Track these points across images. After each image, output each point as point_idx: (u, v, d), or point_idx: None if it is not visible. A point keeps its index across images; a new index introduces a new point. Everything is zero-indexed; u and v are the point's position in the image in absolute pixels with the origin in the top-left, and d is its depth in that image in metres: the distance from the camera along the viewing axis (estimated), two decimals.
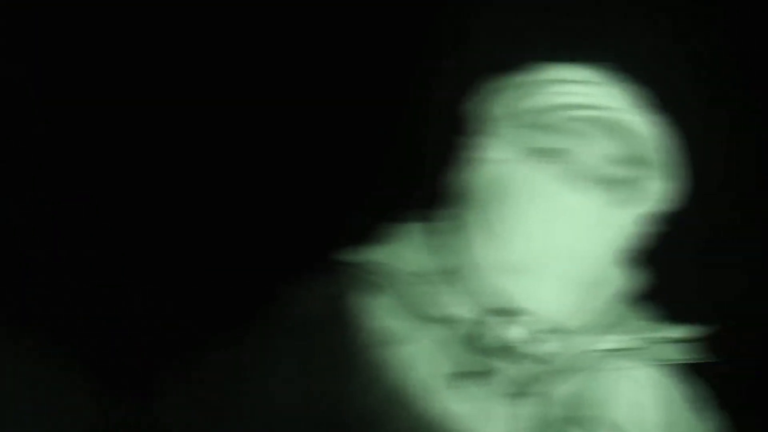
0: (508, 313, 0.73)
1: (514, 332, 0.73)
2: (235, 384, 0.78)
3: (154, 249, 1.30)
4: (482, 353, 0.73)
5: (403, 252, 0.80)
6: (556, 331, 0.74)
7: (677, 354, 0.81)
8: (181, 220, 1.33)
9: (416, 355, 0.74)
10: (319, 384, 0.74)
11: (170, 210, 1.32)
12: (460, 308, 0.76)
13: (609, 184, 0.76)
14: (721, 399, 0.88)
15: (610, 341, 0.78)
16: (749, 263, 1.51)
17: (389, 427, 0.71)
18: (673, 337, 0.80)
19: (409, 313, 0.76)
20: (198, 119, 1.36)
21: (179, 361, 0.84)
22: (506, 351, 0.73)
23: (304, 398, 0.74)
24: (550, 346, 0.74)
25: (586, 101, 0.74)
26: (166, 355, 0.92)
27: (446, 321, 0.75)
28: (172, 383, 0.82)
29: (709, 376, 0.86)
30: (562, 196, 0.74)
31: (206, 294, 1.19)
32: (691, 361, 0.82)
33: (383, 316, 0.76)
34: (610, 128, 0.74)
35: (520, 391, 0.73)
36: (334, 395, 0.73)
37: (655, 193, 0.79)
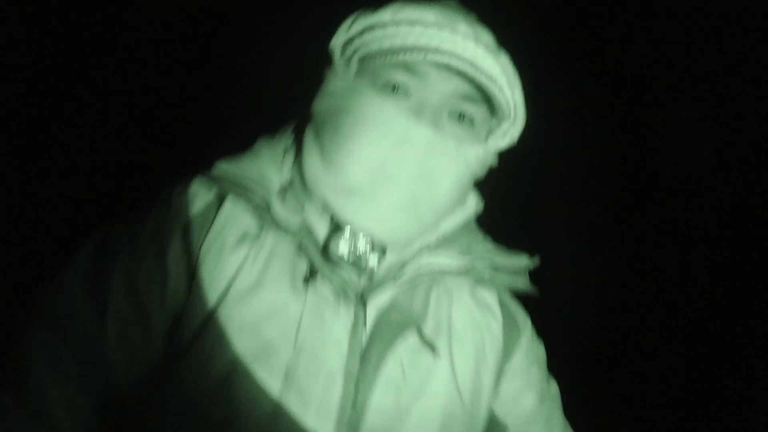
0: (342, 227, 0.79)
1: (343, 247, 0.79)
2: None
3: None
4: (321, 260, 0.79)
5: (257, 166, 0.84)
6: (386, 247, 0.81)
7: (510, 281, 0.88)
8: None
9: (270, 255, 0.79)
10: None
11: None
12: (303, 218, 0.81)
13: (457, 119, 0.81)
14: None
15: (445, 258, 0.84)
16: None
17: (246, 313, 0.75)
18: (508, 266, 0.86)
19: (263, 218, 0.80)
20: None
21: None
22: (341, 261, 0.79)
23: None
24: (376, 259, 0.80)
25: (439, 45, 0.76)
26: None
27: (290, 228, 0.79)
28: None
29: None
30: (406, 127, 0.77)
31: None
32: (522, 291, 0.90)
33: (245, 220, 0.80)
34: (461, 70, 0.77)
35: (351, 295, 0.79)
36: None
37: (501, 131, 0.84)
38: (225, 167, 0.82)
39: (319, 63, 0.83)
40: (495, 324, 0.89)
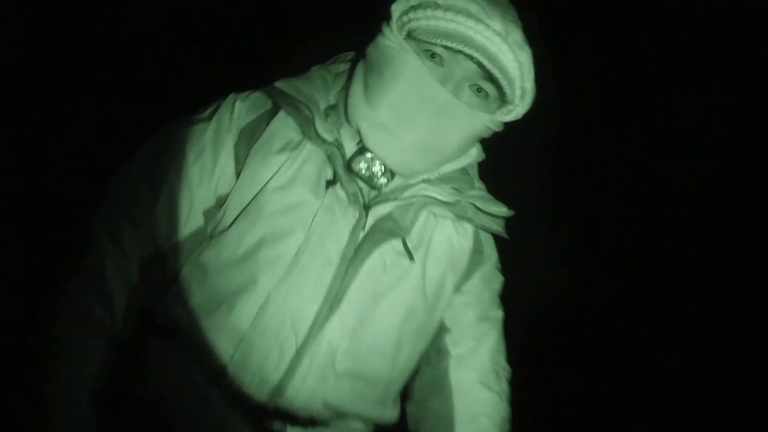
0: (363, 150, 1.01)
1: (362, 164, 1.01)
2: None
3: None
4: (343, 170, 1.01)
5: (308, 88, 1.05)
6: (394, 173, 1.03)
7: (486, 222, 1.09)
8: None
9: (304, 161, 1.01)
10: None
11: None
12: (335, 135, 1.02)
13: (476, 91, 1.01)
14: None
15: (437, 192, 1.05)
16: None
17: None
18: (487, 210, 1.08)
19: (305, 132, 1.01)
20: None
21: None
22: (358, 174, 1.01)
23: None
24: (385, 180, 1.02)
25: (472, 37, 0.95)
26: None
27: (323, 142, 1.01)
28: None
29: None
30: (431, 89, 0.97)
31: None
32: (495, 232, 1.12)
33: (291, 131, 1.02)
34: (481, 62, 0.96)
35: (360, 202, 1.02)
36: None
37: (508, 109, 1.05)
38: (281, 86, 1.03)
39: (378, 18, 1.03)
40: (467, 248, 1.11)
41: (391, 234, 1.02)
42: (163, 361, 1.01)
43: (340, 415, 1.03)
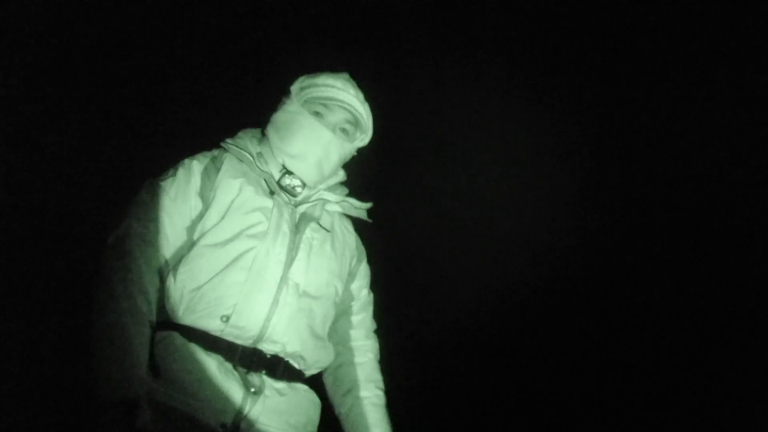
0: (287, 172, 1.70)
1: (288, 181, 1.70)
2: None
3: None
4: (277, 186, 1.68)
5: (242, 142, 1.73)
6: (304, 185, 1.72)
7: (360, 213, 1.85)
8: None
9: (255, 183, 1.65)
10: None
11: None
12: (266, 168, 1.70)
13: (343, 131, 1.76)
14: None
15: (329, 195, 1.78)
16: None
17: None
18: (358, 205, 1.84)
19: (248, 167, 1.69)
20: None
21: None
22: (285, 189, 1.69)
23: None
24: (300, 190, 1.72)
25: (338, 97, 1.73)
26: None
27: (261, 171, 1.69)
28: None
29: None
30: (322, 132, 1.71)
31: None
32: (363, 217, 1.86)
33: (240, 167, 1.68)
34: (347, 109, 1.74)
35: (290, 204, 1.69)
36: None
37: (359, 139, 1.83)
38: (230, 141, 1.70)
39: (281, 94, 1.76)
40: (352, 239, 1.86)
41: (311, 219, 1.71)
42: (164, 345, 1.49)
43: (301, 356, 1.60)
